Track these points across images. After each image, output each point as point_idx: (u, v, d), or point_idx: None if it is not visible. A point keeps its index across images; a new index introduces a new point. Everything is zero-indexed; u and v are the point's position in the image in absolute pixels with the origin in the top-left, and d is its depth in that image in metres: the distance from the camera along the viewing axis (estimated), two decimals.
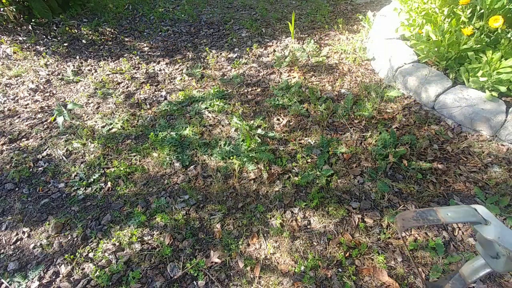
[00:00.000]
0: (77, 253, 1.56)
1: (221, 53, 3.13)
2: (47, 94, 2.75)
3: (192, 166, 1.96)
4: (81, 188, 1.88)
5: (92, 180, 1.92)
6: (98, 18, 3.89)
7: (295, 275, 1.42)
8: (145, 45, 3.42)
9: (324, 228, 1.59)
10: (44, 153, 2.14)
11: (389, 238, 1.53)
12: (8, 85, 2.88)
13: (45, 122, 2.42)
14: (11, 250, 1.61)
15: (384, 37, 2.71)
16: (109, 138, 2.21)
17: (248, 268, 1.46)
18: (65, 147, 2.17)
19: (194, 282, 1.43)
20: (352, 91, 2.43)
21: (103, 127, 2.33)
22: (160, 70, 2.99)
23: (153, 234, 1.62)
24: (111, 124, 2.33)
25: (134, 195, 1.83)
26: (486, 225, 0.80)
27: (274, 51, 3.08)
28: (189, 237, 1.59)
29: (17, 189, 1.92)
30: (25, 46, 3.38)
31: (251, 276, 1.43)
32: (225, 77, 2.78)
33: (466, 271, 0.84)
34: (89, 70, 3.07)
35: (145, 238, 1.60)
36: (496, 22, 1.89)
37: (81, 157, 2.10)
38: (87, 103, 2.61)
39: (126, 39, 3.53)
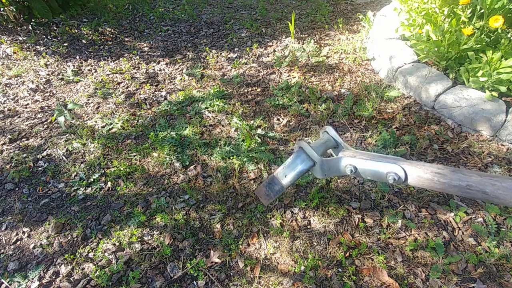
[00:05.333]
0: (77, 253, 1.56)
1: (221, 53, 3.13)
2: (47, 94, 2.75)
3: (192, 166, 1.96)
4: (81, 188, 1.88)
5: (92, 180, 1.92)
6: (98, 18, 3.89)
7: (295, 275, 1.41)
8: (145, 45, 3.42)
9: (324, 228, 1.59)
10: (44, 153, 2.14)
11: (389, 238, 1.53)
12: (8, 85, 2.88)
13: (45, 122, 2.42)
14: (11, 250, 1.61)
15: (384, 37, 2.71)
16: (109, 138, 2.21)
17: (248, 268, 1.46)
18: (65, 147, 2.17)
19: (194, 282, 1.42)
20: (352, 91, 2.43)
21: (103, 127, 2.33)
22: (160, 70, 2.99)
23: (153, 234, 1.62)
24: (111, 124, 2.33)
25: (134, 195, 1.83)
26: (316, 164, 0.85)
27: (274, 51, 3.08)
28: (189, 237, 1.59)
29: (17, 189, 1.92)
30: (25, 46, 3.38)
31: (251, 276, 1.43)
32: (225, 77, 2.78)
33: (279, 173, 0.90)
34: (89, 70, 3.06)
35: (145, 238, 1.60)
36: (497, 22, 1.89)
37: (81, 157, 2.10)
38: (87, 103, 2.61)
39: (126, 39, 3.53)
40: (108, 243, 1.59)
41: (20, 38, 3.48)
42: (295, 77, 2.66)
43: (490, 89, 2.00)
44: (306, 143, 0.81)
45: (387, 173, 0.68)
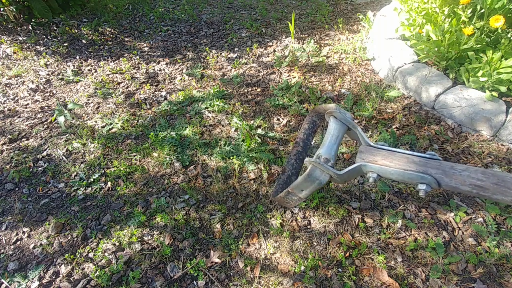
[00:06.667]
0: (77, 253, 1.56)
1: (221, 53, 3.13)
2: (47, 94, 2.75)
3: (192, 166, 1.96)
4: (81, 188, 1.88)
5: (92, 180, 1.92)
6: (98, 18, 3.89)
7: (295, 275, 1.41)
8: (145, 45, 3.42)
9: (324, 228, 1.59)
10: (44, 153, 2.14)
11: (389, 238, 1.53)
12: (8, 85, 2.88)
13: (45, 122, 2.42)
14: (11, 250, 1.61)
15: (384, 37, 2.71)
16: (109, 138, 2.21)
17: (248, 268, 1.46)
18: (65, 147, 2.17)
19: (194, 282, 1.42)
20: (352, 91, 2.43)
21: (103, 127, 2.33)
22: (160, 70, 2.99)
23: (153, 234, 1.62)
24: (111, 124, 2.33)
25: (134, 195, 1.83)
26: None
27: (274, 51, 3.07)
28: (189, 237, 1.59)
29: (17, 189, 1.92)
30: (25, 46, 3.38)
31: (251, 276, 1.43)
32: (225, 77, 2.78)
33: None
34: (89, 70, 3.06)
35: (145, 238, 1.60)
36: (497, 22, 1.89)
37: (81, 157, 2.10)
38: (87, 103, 2.61)
39: (126, 39, 3.53)
40: (108, 243, 1.59)
41: (20, 38, 3.48)
42: (295, 77, 2.66)
43: (490, 89, 2.00)
44: (317, 160, 0.76)
45: (417, 184, 0.63)
